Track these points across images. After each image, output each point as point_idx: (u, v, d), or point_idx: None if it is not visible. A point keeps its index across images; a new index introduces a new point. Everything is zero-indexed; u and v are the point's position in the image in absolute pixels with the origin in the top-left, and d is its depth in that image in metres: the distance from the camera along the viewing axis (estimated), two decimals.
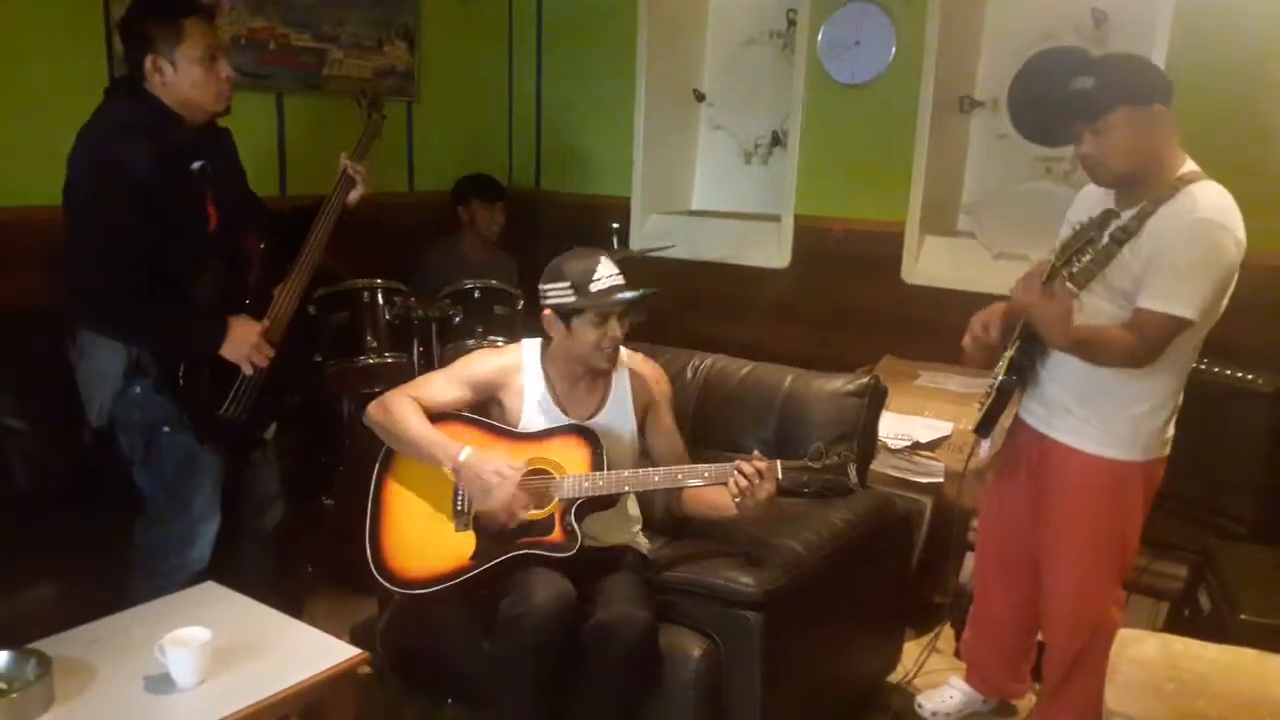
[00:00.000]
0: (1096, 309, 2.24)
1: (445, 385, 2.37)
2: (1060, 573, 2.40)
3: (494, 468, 2.18)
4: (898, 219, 3.83)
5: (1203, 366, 2.58)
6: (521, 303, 3.50)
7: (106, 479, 2.57)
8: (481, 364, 2.41)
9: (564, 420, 2.34)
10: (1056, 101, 2.31)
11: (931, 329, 3.63)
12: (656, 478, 2.24)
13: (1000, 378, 2.38)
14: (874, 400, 2.71)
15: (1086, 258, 2.12)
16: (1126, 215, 2.19)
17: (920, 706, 2.75)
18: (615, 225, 3.99)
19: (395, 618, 2.44)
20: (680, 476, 2.24)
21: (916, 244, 3.84)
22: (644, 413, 2.43)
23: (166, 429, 2.38)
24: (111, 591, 2.31)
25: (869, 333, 3.86)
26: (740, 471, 2.12)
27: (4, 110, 3.00)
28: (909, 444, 3.21)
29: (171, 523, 2.46)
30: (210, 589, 2.28)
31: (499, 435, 2.33)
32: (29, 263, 2.46)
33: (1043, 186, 3.73)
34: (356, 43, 4.00)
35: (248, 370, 2.40)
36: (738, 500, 2.13)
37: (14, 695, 1.75)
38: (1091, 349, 2.20)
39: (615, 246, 3.98)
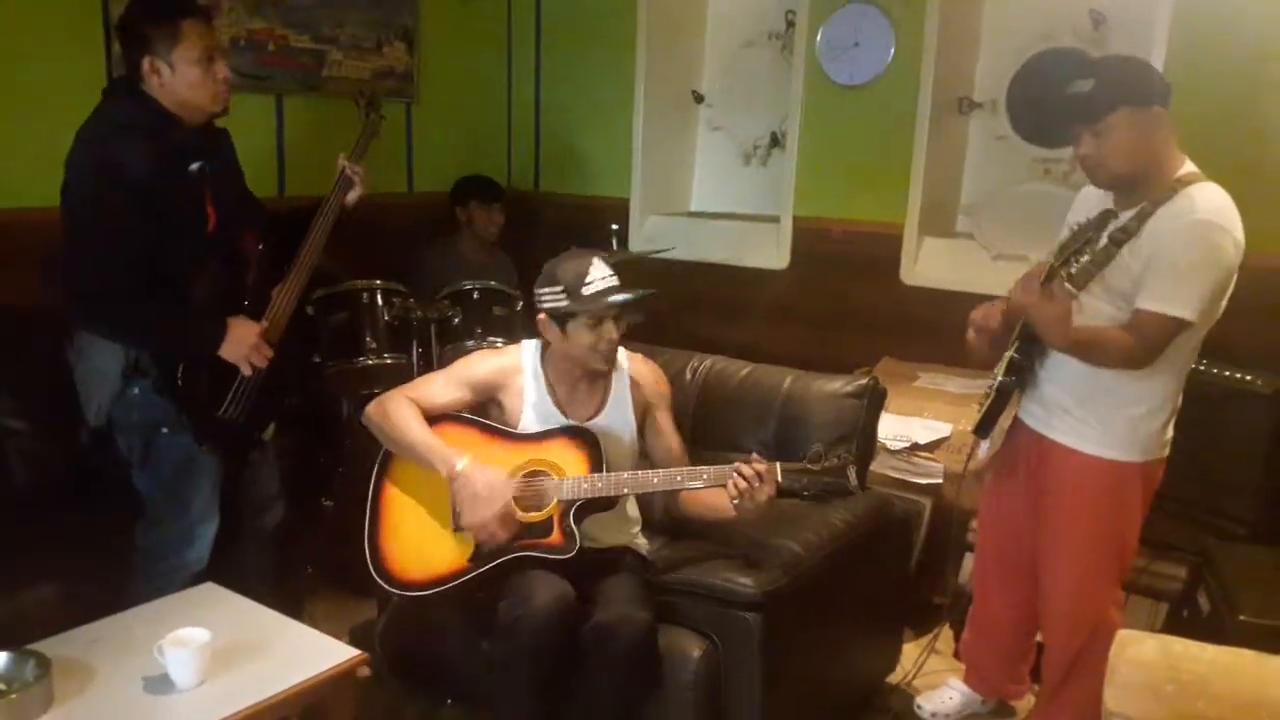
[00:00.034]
0: (1095, 310, 2.24)
1: (444, 386, 2.37)
2: (1059, 573, 2.40)
3: (486, 480, 2.17)
4: (896, 220, 3.83)
5: (1202, 367, 2.58)
6: (520, 304, 3.50)
7: (106, 479, 2.57)
8: (481, 365, 2.41)
9: (563, 421, 2.34)
10: (1055, 103, 2.31)
11: (930, 330, 3.64)
12: (655, 479, 2.23)
13: (999, 378, 2.38)
14: (873, 401, 2.71)
15: (1085, 259, 2.13)
16: (1125, 216, 2.19)
17: (919, 707, 2.75)
18: (614, 227, 3.99)
19: (394, 619, 2.44)
20: (679, 478, 2.23)
21: (915, 245, 3.84)
22: (643, 414, 2.43)
23: (165, 430, 2.38)
24: (111, 592, 2.31)
25: (868, 334, 3.86)
26: (740, 474, 2.12)
27: (3, 110, 3.00)
28: (908, 445, 3.21)
29: (170, 524, 2.46)
30: (210, 590, 2.27)
31: (498, 436, 2.33)
32: (28, 263, 2.46)
33: (1041, 188, 3.73)
34: (355, 44, 4.00)
35: (246, 371, 2.40)
36: (737, 502, 2.13)
37: (13, 696, 1.75)
38: (1090, 350, 2.21)
39: (615, 248, 3.98)
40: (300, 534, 3.00)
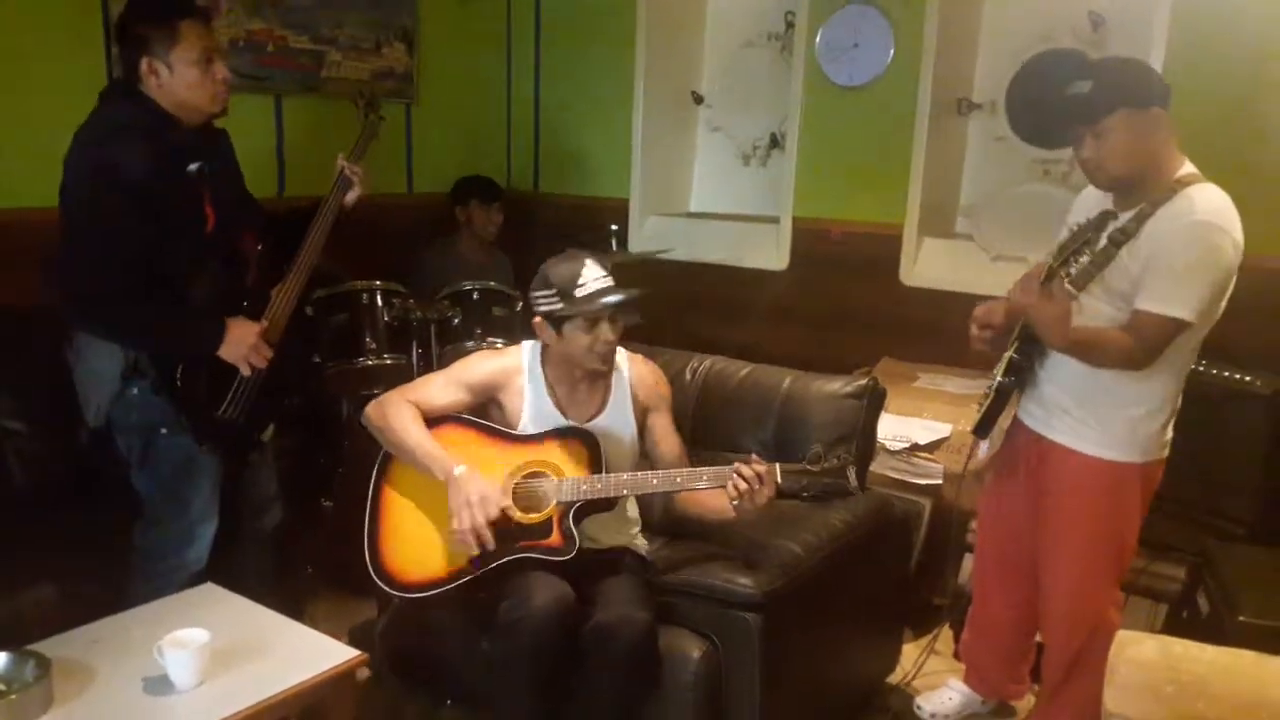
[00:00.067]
0: (1095, 311, 2.24)
1: (444, 388, 2.36)
2: (1059, 573, 2.40)
3: (478, 489, 2.15)
4: (896, 221, 3.84)
5: (1201, 368, 2.58)
6: (520, 304, 3.50)
7: (105, 480, 2.56)
8: (480, 366, 2.41)
9: (563, 422, 2.34)
10: (1054, 105, 2.32)
11: (930, 331, 3.64)
12: (655, 480, 2.23)
13: (999, 379, 2.38)
14: (873, 402, 2.71)
15: (1084, 259, 2.13)
16: (1124, 217, 2.19)
17: (919, 708, 2.76)
18: (614, 227, 4.00)
19: (394, 620, 2.44)
20: (679, 480, 2.23)
21: (915, 246, 3.84)
22: (644, 415, 2.43)
23: (164, 430, 2.38)
24: (110, 592, 2.31)
25: (867, 334, 3.86)
26: (740, 475, 2.12)
27: (3, 110, 3.00)
28: (908, 446, 3.21)
29: (169, 524, 2.45)
30: (209, 590, 2.27)
31: (497, 437, 2.33)
32: (27, 263, 2.46)
33: (1040, 189, 3.73)
34: (355, 45, 4.00)
35: (245, 372, 2.40)
36: (736, 503, 2.13)
37: (13, 696, 1.75)
38: (1089, 350, 2.21)
39: (614, 248, 3.99)
40: (300, 534, 3.00)
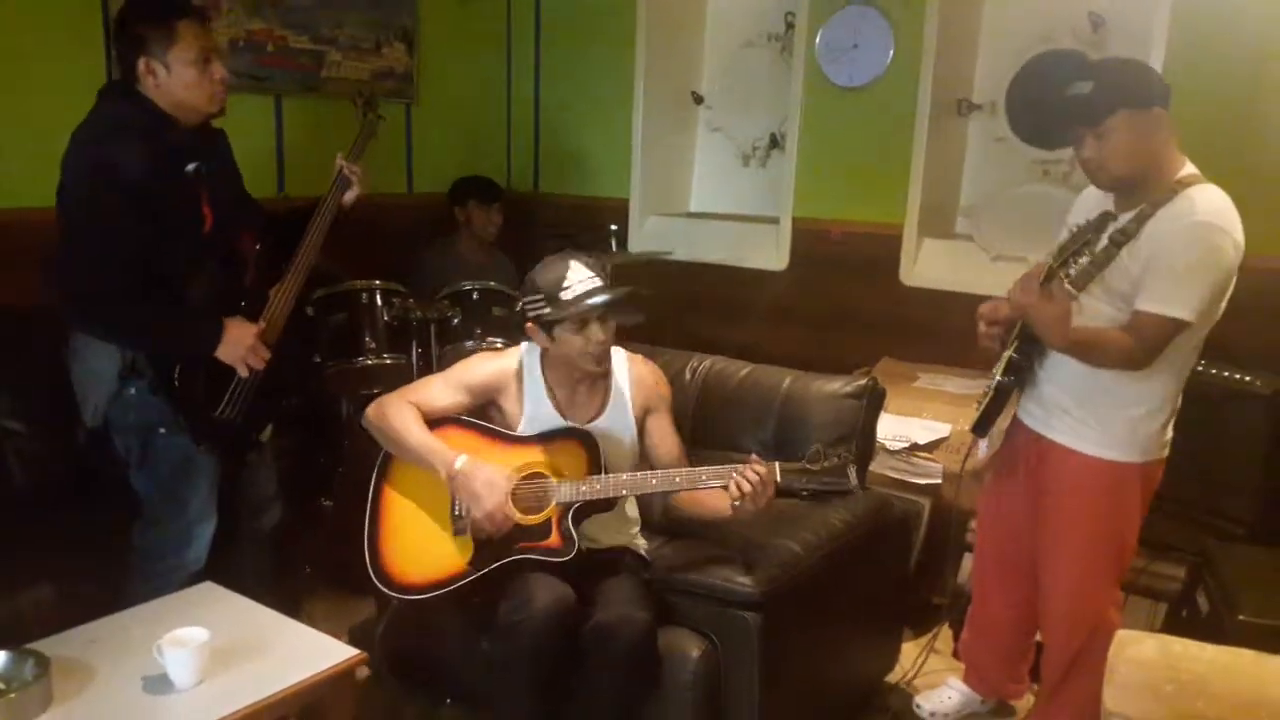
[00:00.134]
0: (1095, 311, 2.24)
1: (443, 390, 2.36)
2: (1058, 573, 2.40)
3: (485, 477, 2.18)
4: (896, 221, 3.84)
5: (1201, 368, 2.58)
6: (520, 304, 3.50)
7: (104, 480, 2.56)
8: (480, 368, 2.41)
9: (563, 424, 2.34)
10: (1055, 105, 2.31)
11: (930, 331, 3.65)
12: (654, 481, 2.23)
13: (998, 378, 2.38)
14: (872, 402, 2.71)
15: (1084, 260, 2.13)
16: (1124, 218, 2.19)
17: (919, 707, 2.76)
18: (614, 227, 4.00)
19: (394, 621, 2.43)
20: (678, 480, 2.23)
21: (914, 246, 3.84)
22: (643, 415, 2.42)
23: (162, 430, 2.38)
24: (110, 592, 2.31)
25: (867, 334, 3.87)
26: (743, 476, 2.11)
27: (3, 110, 3.00)
28: (907, 445, 3.21)
29: (168, 524, 2.45)
30: (209, 589, 2.27)
31: (497, 439, 2.33)
32: (27, 263, 2.46)
33: (1040, 189, 3.73)
34: (355, 45, 4.00)
35: (243, 372, 2.40)
36: (737, 504, 2.13)
37: (12, 695, 1.74)
38: (1089, 350, 2.21)
39: (614, 249, 3.99)
40: (300, 534, 3.00)
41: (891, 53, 3.78)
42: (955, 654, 2.91)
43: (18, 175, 2.97)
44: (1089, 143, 2.19)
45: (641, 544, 2.46)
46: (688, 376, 2.88)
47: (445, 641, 2.37)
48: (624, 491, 2.25)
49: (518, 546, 2.21)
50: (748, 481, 2.10)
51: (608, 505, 2.28)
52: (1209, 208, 2.12)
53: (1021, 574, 2.51)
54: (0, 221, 2.94)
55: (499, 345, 3.24)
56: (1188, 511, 2.86)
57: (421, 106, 4.32)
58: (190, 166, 2.33)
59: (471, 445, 2.28)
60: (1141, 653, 1.80)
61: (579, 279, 2.22)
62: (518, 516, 2.21)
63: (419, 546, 2.27)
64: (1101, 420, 2.29)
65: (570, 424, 2.34)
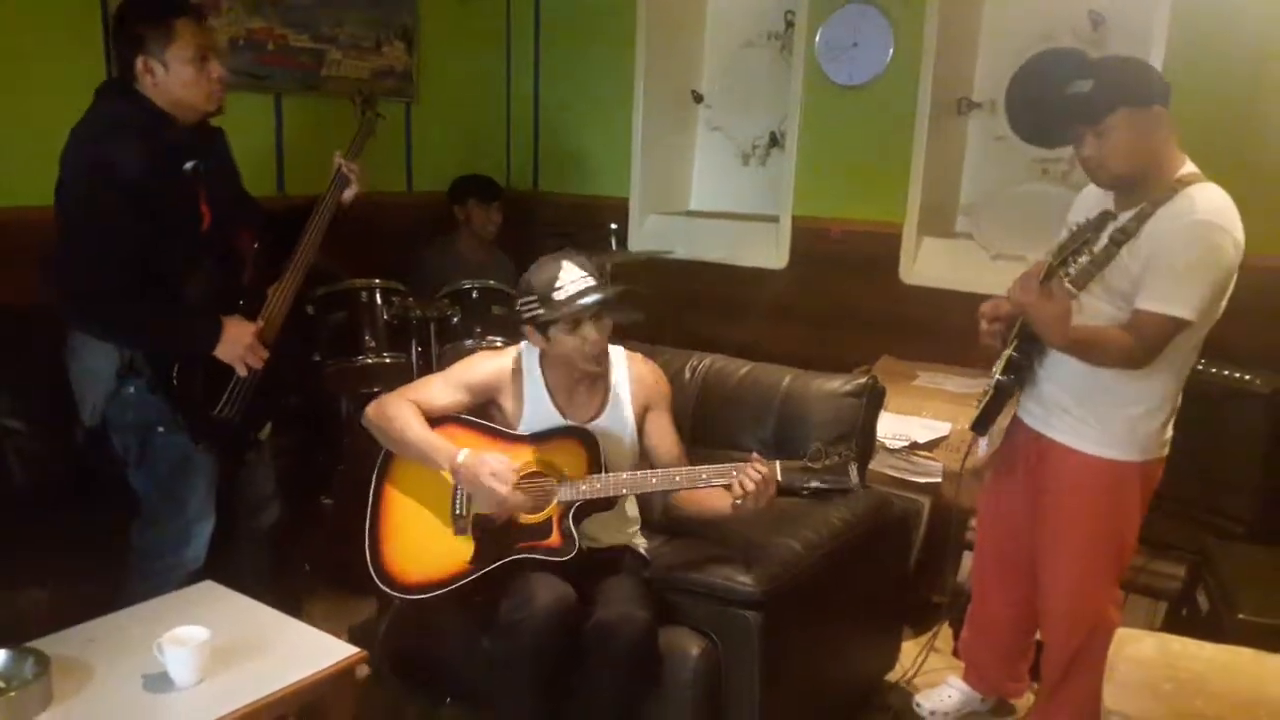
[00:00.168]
0: (1095, 310, 2.24)
1: (443, 389, 2.37)
2: (1058, 572, 2.40)
3: (490, 469, 2.18)
4: (896, 220, 3.84)
5: (1201, 367, 2.58)
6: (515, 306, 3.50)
7: (103, 478, 2.56)
8: (479, 367, 2.41)
9: (562, 423, 2.34)
10: (1055, 104, 2.31)
11: (929, 330, 3.65)
12: (654, 480, 2.23)
13: (998, 377, 2.38)
14: (872, 400, 2.71)
15: (1084, 259, 2.12)
16: (1124, 217, 2.19)
17: (919, 705, 2.76)
18: (614, 226, 4.00)
19: (395, 620, 2.43)
20: (678, 479, 2.23)
21: (914, 245, 3.84)
22: (643, 413, 2.42)
23: (161, 429, 2.38)
24: (109, 591, 2.31)
25: (867, 333, 3.87)
26: (745, 475, 2.11)
27: (3, 110, 3.00)
28: (907, 444, 3.21)
29: (166, 523, 2.45)
30: (209, 588, 2.27)
31: (497, 438, 2.33)
32: (26, 262, 2.46)
33: (1040, 188, 3.74)
34: (355, 43, 4.00)
35: (241, 371, 2.40)
36: (739, 502, 2.13)
37: (12, 694, 1.74)
38: (1089, 349, 2.21)
39: (614, 247, 3.99)
40: (300, 533, 3.00)
41: (891, 51, 3.78)
42: (955, 652, 2.91)
43: (17, 174, 2.97)
44: (1089, 141, 2.19)
45: (641, 543, 2.46)
46: (687, 375, 2.88)
47: (446, 640, 2.37)
48: (624, 490, 2.25)
49: (518, 546, 2.21)
50: (750, 480, 2.10)
51: (608, 504, 2.28)
52: (1209, 206, 2.12)
53: (1021, 573, 2.51)
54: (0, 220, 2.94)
55: (499, 344, 3.23)
56: (1187, 510, 2.86)
57: (421, 105, 4.32)
58: (188, 165, 2.33)
59: (472, 443, 2.28)
60: (1141, 651, 1.80)
61: (571, 279, 2.22)
62: (522, 502, 2.21)
63: (420, 546, 2.27)
64: (1101, 419, 2.29)
65: (570, 423, 2.34)
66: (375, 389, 3.07)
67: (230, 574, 2.36)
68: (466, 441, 2.28)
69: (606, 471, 2.23)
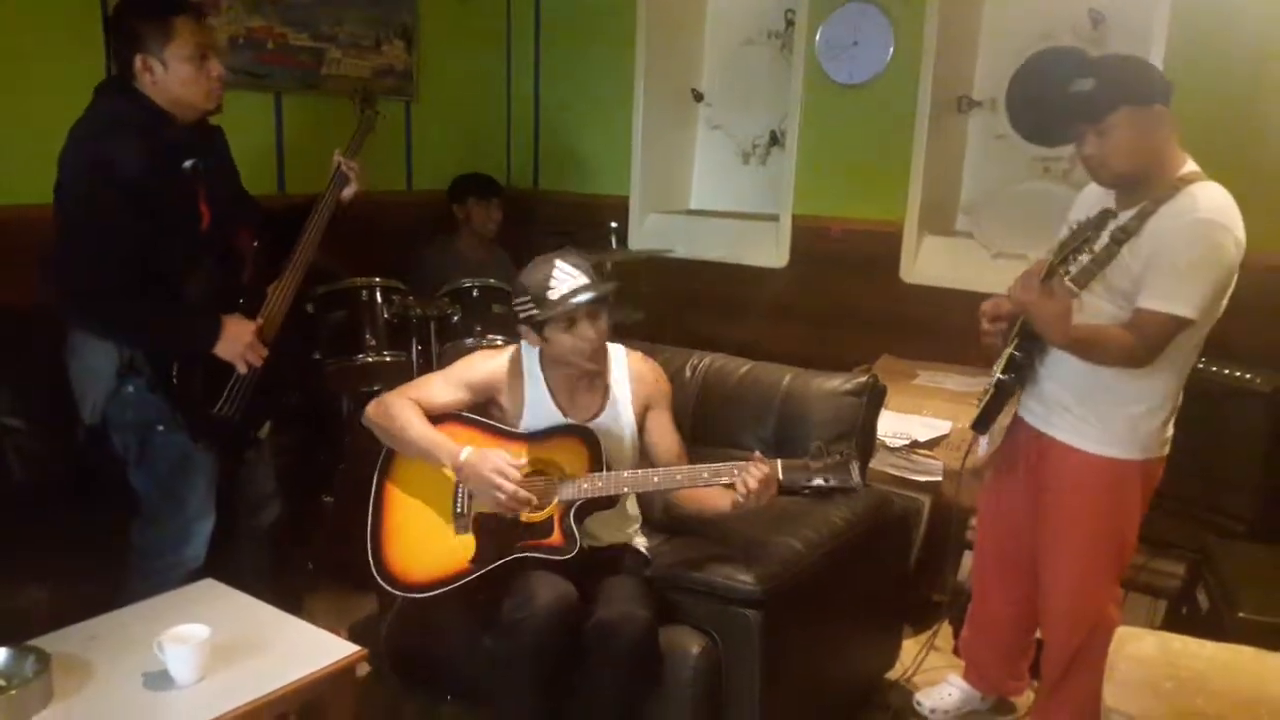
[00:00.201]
0: (1096, 309, 2.24)
1: (443, 387, 2.37)
2: (1058, 570, 2.40)
3: (494, 465, 2.18)
4: (896, 219, 3.84)
5: (1202, 366, 2.58)
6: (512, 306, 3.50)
7: (104, 478, 2.56)
8: (480, 366, 2.41)
9: (563, 421, 2.34)
10: (1056, 103, 2.31)
11: (930, 328, 3.65)
12: (656, 479, 2.23)
13: (999, 375, 2.38)
14: (872, 399, 2.71)
15: (1084, 257, 2.12)
16: (1125, 215, 2.19)
17: (919, 704, 2.76)
18: (614, 225, 4.00)
19: (396, 619, 2.43)
20: (679, 477, 2.23)
21: (915, 244, 3.84)
22: (643, 412, 2.42)
23: (160, 428, 2.38)
24: (110, 590, 2.30)
25: (867, 332, 3.87)
26: (748, 475, 2.11)
27: (3, 110, 3.00)
28: (907, 443, 3.21)
29: (166, 522, 2.45)
30: (209, 586, 2.27)
31: (498, 436, 2.32)
32: (26, 261, 2.46)
33: (1041, 186, 3.74)
34: (355, 42, 4.00)
35: (241, 369, 2.40)
36: (740, 501, 2.13)
37: (13, 692, 1.74)
38: (1090, 348, 2.21)
39: (614, 246, 3.99)
40: (301, 531, 2.99)
41: (891, 50, 3.78)
42: (955, 651, 2.91)
43: (16, 173, 2.96)
44: (1090, 140, 2.18)
45: (642, 541, 2.46)
46: (688, 374, 2.88)
47: (447, 639, 2.37)
48: (626, 489, 2.25)
49: (520, 544, 2.21)
50: (751, 479, 2.10)
51: (609, 503, 2.28)
52: (1210, 205, 2.12)
53: (1021, 571, 2.51)
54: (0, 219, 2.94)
55: (499, 342, 3.24)
56: (1188, 509, 2.86)
57: (421, 104, 4.32)
58: (187, 163, 2.33)
59: (473, 441, 2.28)
60: (1141, 650, 1.80)
61: (564, 278, 2.22)
62: (525, 500, 2.21)
63: (421, 544, 2.27)
64: (1102, 418, 2.29)
65: (571, 421, 2.34)
66: (375, 387, 3.07)
67: (230, 572, 2.36)
68: (468, 439, 2.28)
69: (608, 470, 2.23)
